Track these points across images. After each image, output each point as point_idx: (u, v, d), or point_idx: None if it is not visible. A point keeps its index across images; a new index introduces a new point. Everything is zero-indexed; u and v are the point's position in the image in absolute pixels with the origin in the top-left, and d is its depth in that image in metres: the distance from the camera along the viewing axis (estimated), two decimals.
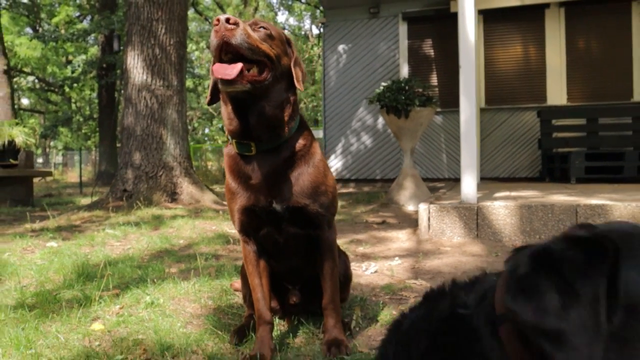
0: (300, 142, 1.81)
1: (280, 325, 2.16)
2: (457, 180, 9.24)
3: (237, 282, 2.57)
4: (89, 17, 27.09)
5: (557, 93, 9.48)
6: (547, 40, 9.53)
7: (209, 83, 1.88)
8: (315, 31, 29.03)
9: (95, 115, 29.27)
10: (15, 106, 22.21)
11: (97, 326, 2.09)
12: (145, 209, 6.11)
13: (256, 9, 31.63)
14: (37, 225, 5.47)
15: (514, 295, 0.74)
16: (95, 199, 7.62)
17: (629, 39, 9.20)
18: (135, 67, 7.05)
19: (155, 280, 2.76)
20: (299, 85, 1.76)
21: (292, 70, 1.76)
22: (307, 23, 33.48)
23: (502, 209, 4.14)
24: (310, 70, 30.27)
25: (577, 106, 9.19)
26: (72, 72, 24.69)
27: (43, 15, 28.38)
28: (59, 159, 34.10)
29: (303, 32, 32.65)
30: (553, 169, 8.60)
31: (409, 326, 0.95)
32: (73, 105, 31.48)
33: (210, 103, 1.78)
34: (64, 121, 26.23)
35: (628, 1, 9.17)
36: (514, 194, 5.38)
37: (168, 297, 2.47)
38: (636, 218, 3.93)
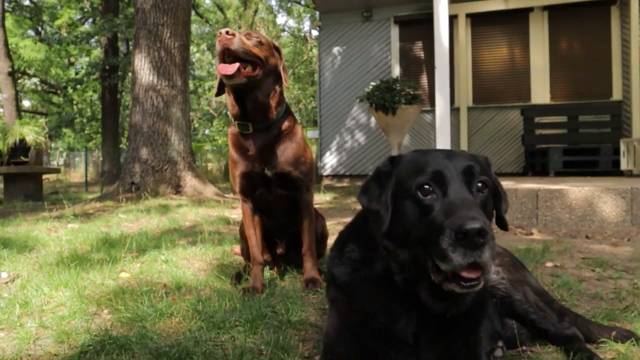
0: (285, 124, 2.36)
1: (271, 274, 2.69)
2: None
3: (237, 247, 3.11)
4: (90, 20, 27.66)
5: (540, 92, 9.98)
6: (531, 42, 10.03)
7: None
8: (314, 33, 29.53)
9: (98, 117, 29.83)
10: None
11: (124, 275, 2.62)
12: (152, 199, 6.63)
13: (256, 12, 32.14)
14: (55, 213, 5.99)
15: (360, 193, 1.32)
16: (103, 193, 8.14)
17: (608, 40, 9.70)
18: (143, 68, 7.57)
19: (168, 246, 3.29)
20: (286, 83, 2.34)
21: (281, 71, 2.33)
22: (306, 25, 33.98)
23: None
24: (310, 72, 30.77)
25: (558, 104, 9.69)
26: (76, 74, 25.17)
27: (45, 18, 28.87)
28: (60, 160, 34.57)
29: (302, 34, 33.12)
30: (535, 164, 9.12)
31: (344, 227, 1.48)
32: (74, 107, 31.97)
33: (217, 95, 2.34)
34: (67, 122, 26.73)
35: (607, 5, 9.67)
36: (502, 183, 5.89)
37: (180, 257, 3.00)
38: (587, 199, 4.45)
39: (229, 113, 2.34)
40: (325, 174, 10.82)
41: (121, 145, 25.12)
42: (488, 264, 1.04)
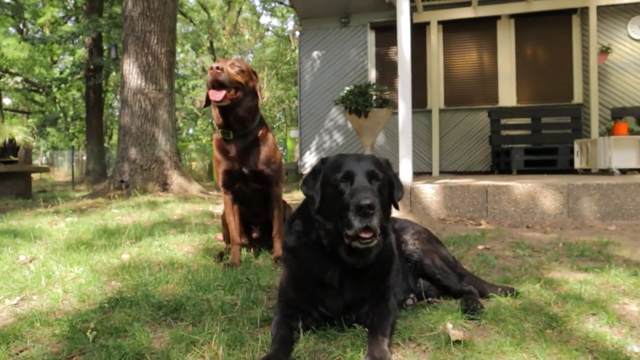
0: (259, 132, 2.93)
1: (248, 254, 3.24)
2: (418, 174, 10.38)
3: (219, 235, 3.65)
4: (73, 18, 27.78)
5: (507, 95, 10.65)
6: (498, 48, 10.70)
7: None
8: (297, 33, 29.82)
9: (82, 115, 29.98)
10: None
11: (125, 256, 3.15)
12: (141, 196, 7.11)
13: (240, 12, 32.52)
14: (51, 209, 6.45)
15: (301, 184, 1.87)
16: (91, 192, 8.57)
17: (570, 47, 10.40)
18: (131, 73, 8.04)
19: (160, 234, 3.82)
20: (261, 100, 2.91)
21: (257, 90, 2.90)
22: (290, 24, 34.40)
23: (429, 189, 5.26)
24: (293, 72, 31.28)
25: (523, 107, 10.35)
26: (61, 73, 25.33)
27: (27, 16, 28.88)
28: (43, 159, 34.57)
29: (286, 33, 33.53)
30: (500, 163, 9.77)
31: (294, 210, 2.04)
32: (57, 106, 32.07)
33: (205, 106, 2.89)
34: (51, 121, 26.90)
35: (569, 15, 10.36)
36: (452, 180, 6.50)
37: (171, 243, 3.53)
38: (530, 194, 5.07)
39: (214, 122, 2.91)
40: (305, 172, 11.37)
41: (105, 144, 25.35)
42: (377, 227, 1.61)
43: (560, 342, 1.75)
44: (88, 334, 1.84)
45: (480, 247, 3.47)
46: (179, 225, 4.51)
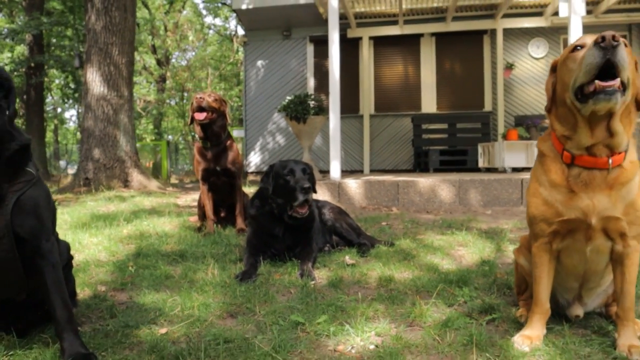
0: (228, 142, 4.21)
1: (217, 228, 4.46)
2: (351, 172, 11.83)
3: (192, 217, 4.86)
4: (5, 11, 27.30)
5: (429, 103, 12.27)
6: (422, 61, 12.32)
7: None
8: (240, 32, 30.60)
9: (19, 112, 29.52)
10: None
11: (125, 231, 4.29)
12: (106, 192, 8.08)
13: (182, 10, 33.01)
14: None
15: (260, 180, 3.18)
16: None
17: (481, 62, 12.16)
18: (94, 80, 8.96)
19: (145, 217, 4.96)
20: (229, 120, 4.15)
21: (226, 113, 4.14)
22: (232, 24, 35.13)
23: (353, 184, 6.64)
24: (236, 73, 32.21)
25: (442, 114, 12.00)
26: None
27: None
28: None
29: (228, 32, 34.21)
30: (420, 162, 11.37)
31: (254, 193, 3.30)
32: None
33: (190, 124, 4.09)
34: None
35: (481, 35, 12.12)
36: (373, 177, 7.91)
37: (156, 223, 4.69)
38: (431, 187, 6.54)
39: (197, 135, 4.14)
40: (250, 170, 12.57)
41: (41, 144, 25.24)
42: (311, 200, 2.91)
43: (407, 264, 3.12)
44: (130, 267, 3.04)
45: (384, 223, 4.86)
46: (154, 212, 5.63)
